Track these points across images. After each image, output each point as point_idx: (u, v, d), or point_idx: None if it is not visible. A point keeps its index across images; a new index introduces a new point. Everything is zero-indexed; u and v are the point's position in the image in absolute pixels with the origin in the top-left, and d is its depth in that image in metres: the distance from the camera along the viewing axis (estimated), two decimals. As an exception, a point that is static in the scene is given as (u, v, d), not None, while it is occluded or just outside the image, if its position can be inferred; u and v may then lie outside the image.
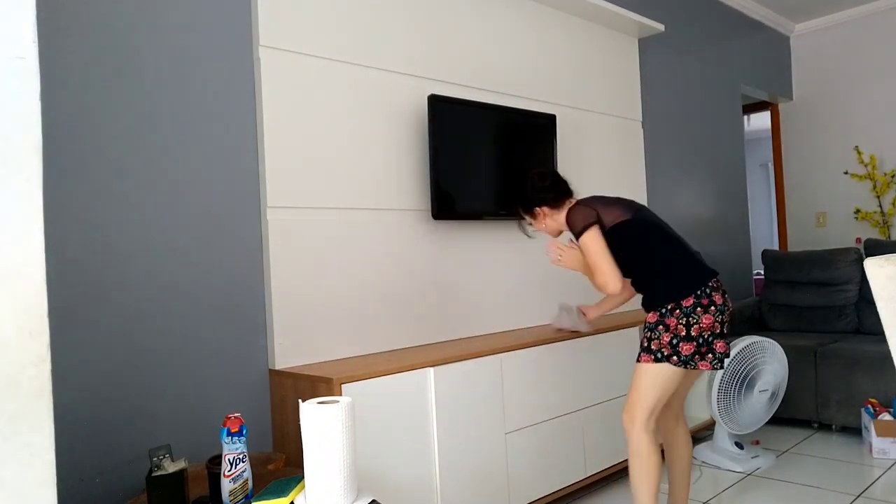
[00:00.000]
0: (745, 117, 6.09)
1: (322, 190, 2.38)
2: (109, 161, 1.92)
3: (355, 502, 1.49)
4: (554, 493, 2.67)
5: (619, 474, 3.09)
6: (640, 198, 3.86)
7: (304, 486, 1.52)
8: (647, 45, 4.00)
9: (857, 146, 5.26)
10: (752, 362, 3.15)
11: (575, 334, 2.81)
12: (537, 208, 2.41)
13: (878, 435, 3.16)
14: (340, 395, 2.00)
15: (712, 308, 2.17)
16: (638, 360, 2.23)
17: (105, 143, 1.91)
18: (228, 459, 1.61)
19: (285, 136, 2.29)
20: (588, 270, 2.37)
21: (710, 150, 4.59)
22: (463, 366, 2.36)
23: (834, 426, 3.63)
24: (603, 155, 3.62)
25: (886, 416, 3.21)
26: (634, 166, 3.83)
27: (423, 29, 2.77)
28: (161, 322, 2.00)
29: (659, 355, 2.17)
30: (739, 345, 3.16)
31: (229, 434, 1.62)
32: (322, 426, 1.46)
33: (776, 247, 6.39)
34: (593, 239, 2.24)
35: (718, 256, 4.57)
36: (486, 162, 2.86)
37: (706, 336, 2.16)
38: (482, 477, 2.40)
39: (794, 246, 5.59)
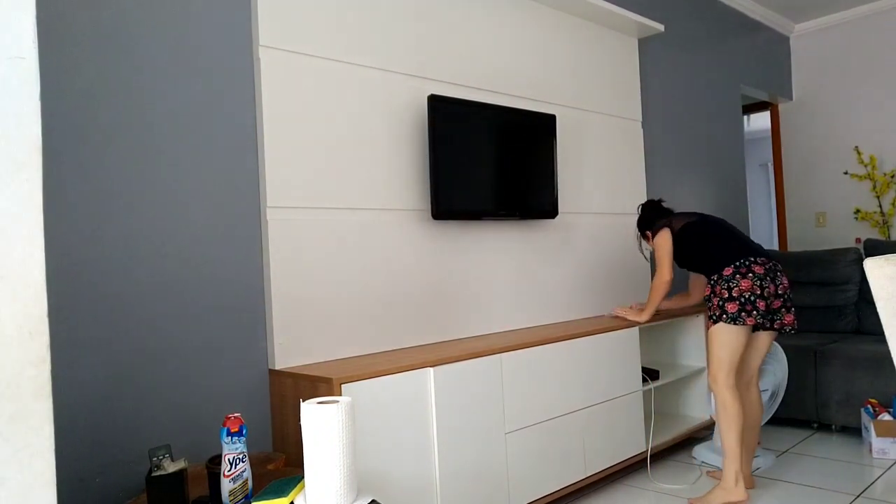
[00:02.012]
0: (745, 117, 6.09)
1: (322, 190, 2.38)
2: (109, 161, 1.92)
3: (355, 502, 1.49)
4: (554, 493, 2.67)
5: (619, 474, 3.09)
6: (640, 198, 3.85)
7: (303, 486, 1.52)
8: (647, 45, 4.00)
9: (856, 146, 5.26)
10: None
11: (573, 333, 2.82)
12: (648, 231, 3.05)
13: (878, 435, 3.16)
14: (340, 395, 2.00)
15: (750, 275, 2.65)
16: (706, 329, 2.81)
17: (105, 142, 1.91)
18: (228, 459, 1.61)
19: (285, 136, 2.29)
20: (652, 305, 3.07)
21: (710, 150, 4.59)
22: (463, 366, 2.36)
23: (834, 426, 3.63)
24: (603, 155, 3.62)
25: (886, 416, 3.21)
26: (634, 166, 3.83)
27: (424, 29, 2.77)
28: (161, 322, 2.00)
29: (713, 317, 2.69)
30: None
31: (229, 434, 1.62)
32: (322, 426, 1.46)
33: (776, 247, 6.39)
34: (663, 239, 2.92)
35: (718, 256, 4.56)
36: (486, 162, 2.86)
37: (747, 296, 2.63)
38: (482, 477, 2.40)
39: (794, 246, 5.59)
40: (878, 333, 3.78)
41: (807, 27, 5.50)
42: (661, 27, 3.77)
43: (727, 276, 2.68)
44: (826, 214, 5.44)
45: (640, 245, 3.22)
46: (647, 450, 3.13)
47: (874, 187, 5.16)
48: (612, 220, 3.66)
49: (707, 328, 2.77)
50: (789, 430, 3.69)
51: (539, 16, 3.29)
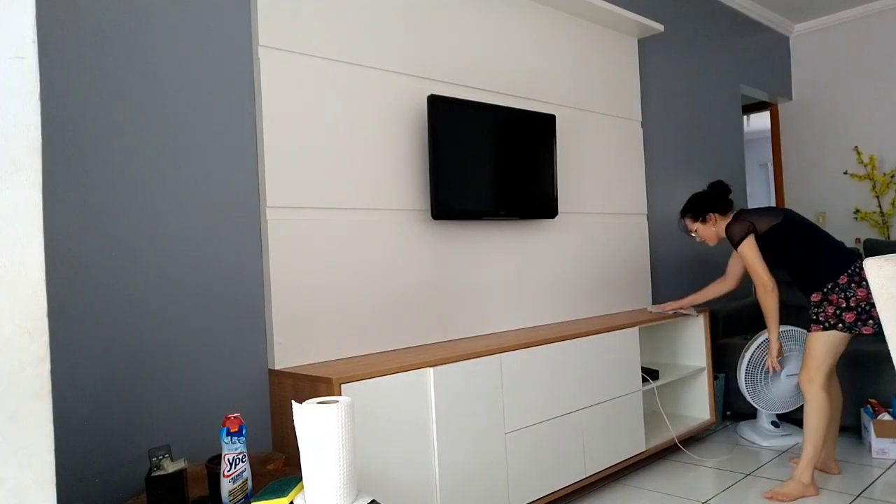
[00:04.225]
0: (745, 117, 6.09)
1: (322, 190, 2.38)
2: (109, 161, 1.92)
3: (355, 502, 1.49)
4: (554, 493, 2.67)
5: (619, 474, 3.09)
6: (640, 198, 3.86)
7: (303, 487, 1.52)
8: (646, 45, 4.00)
9: (856, 146, 5.26)
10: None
11: (574, 332, 2.82)
12: (710, 214, 3.02)
13: (878, 435, 3.16)
14: (340, 394, 2.00)
15: (864, 283, 2.68)
16: (809, 331, 2.78)
17: (104, 143, 1.91)
18: (228, 459, 1.61)
19: (285, 136, 2.29)
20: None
21: (710, 150, 4.59)
22: (463, 366, 2.36)
23: (834, 426, 3.63)
24: (602, 155, 3.62)
25: (886, 416, 3.21)
26: (634, 166, 3.83)
27: (423, 29, 2.77)
28: (161, 322, 2.00)
29: (827, 325, 2.71)
30: (766, 333, 3.31)
31: (229, 434, 1.62)
32: (321, 426, 1.46)
33: (776, 247, 6.38)
34: (750, 248, 2.86)
35: (717, 256, 4.57)
36: (486, 162, 2.86)
37: (863, 305, 2.68)
38: (482, 477, 2.40)
39: (793, 246, 5.58)
40: (877, 333, 3.77)
41: (807, 27, 5.50)
42: (660, 27, 3.77)
43: (843, 284, 2.70)
44: (826, 214, 5.44)
45: (686, 227, 3.12)
46: (646, 450, 3.13)
47: (874, 187, 5.16)
48: (612, 220, 3.66)
49: (810, 330, 2.77)
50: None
51: (539, 16, 3.29)
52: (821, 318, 2.73)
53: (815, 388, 2.74)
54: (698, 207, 3.06)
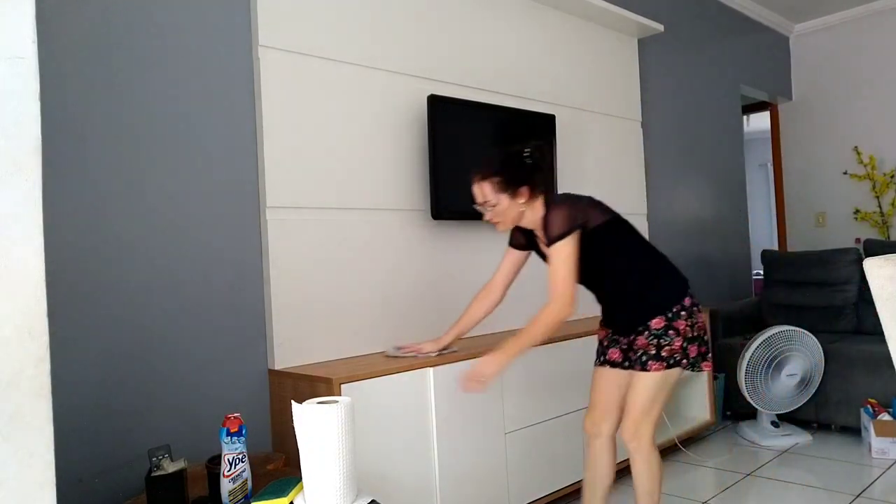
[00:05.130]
0: (745, 117, 6.09)
1: (322, 190, 2.38)
2: (108, 161, 1.92)
3: (355, 502, 1.49)
4: (553, 493, 2.67)
5: (619, 474, 3.08)
6: (640, 198, 3.86)
7: (303, 487, 1.52)
8: (646, 45, 4.00)
9: (856, 146, 5.26)
10: (778, 348, 3.43)
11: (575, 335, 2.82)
12: (525, 188, 2.03)
13: (878, 435, 3.16)
14: (340, 395, 2.00)
15: (700, 306, 2.10)
16: (645, 370, 2.01)
17: (104, 143, 1.91)
18: (228, 459, 1.61)
19: (285, 136, 2.29)
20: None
21: (710, 150, 4.59)
22: (463, 366, 2.35)
23: (833, 426, 3.63)
24: (602, 155, 3.62)
25: (885, 416, 3.21)
26: (634, 166, 3.83)
27: (423, 29, 2.77)
28: (161, 322, 2.00)
29: (671, 361, 2.01)
30: (766, 333, 3.47)
31: (229, 434, 1.62)
32: (321, 427, 1.46)
33: (775, 247, 6.39)
34: (571, 249, 1.96)
35: (717, 257, 4.57)
36: (486, 162, 2.86)
37: (702, 335, 2.07)
38: (482, 477, 2.40)
39: (793, 246, 5.59)
40: (877, 333, 3.76)
41: (807, 27, 5.50)
42: (660, 27, 3.77)
43: (689, 307, 2.04)
44: (826, 214, 5.44)
45: (483, 195, 2.08)
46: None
47: (874, 187, 5.16)
48: (612, 220, 3.65)
49: (647, 369, 2.01)
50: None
51: (539, 16, 3.29)
52: (664, 353, 2.00)
53: (644, 444, 2.06)
54: (515, 174, 2.03)
